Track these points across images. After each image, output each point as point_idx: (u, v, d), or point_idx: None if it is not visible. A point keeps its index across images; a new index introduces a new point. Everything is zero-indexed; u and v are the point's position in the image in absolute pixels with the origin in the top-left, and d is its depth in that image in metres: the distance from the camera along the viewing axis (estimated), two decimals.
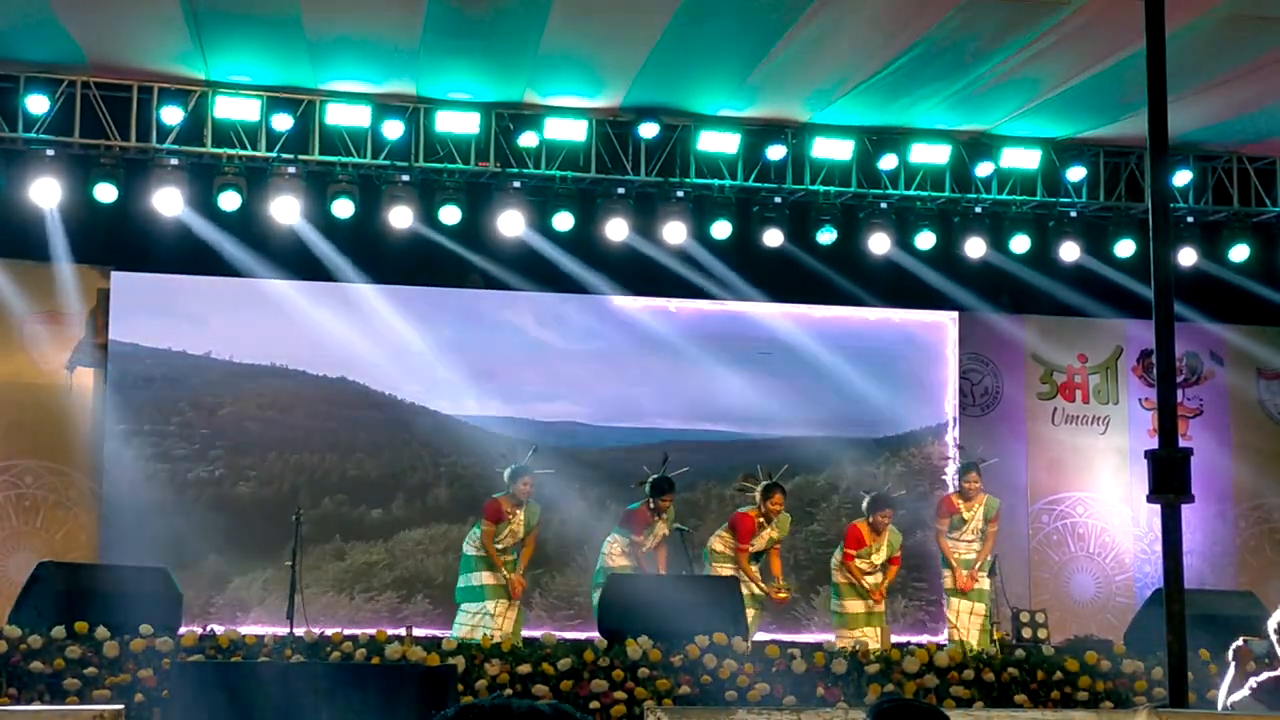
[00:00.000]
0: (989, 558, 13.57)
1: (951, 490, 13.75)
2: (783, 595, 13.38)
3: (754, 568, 13.31)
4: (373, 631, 11.86)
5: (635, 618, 11.70)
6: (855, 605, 13.32)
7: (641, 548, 13.33)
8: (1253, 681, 7.76)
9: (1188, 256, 15.07)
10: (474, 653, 11.40)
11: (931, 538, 14.39)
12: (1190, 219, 15.19)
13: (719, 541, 13.46)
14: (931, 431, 15.51)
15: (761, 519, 13.32)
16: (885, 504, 13.48)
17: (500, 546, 13.00)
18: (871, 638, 12.96)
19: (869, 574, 13.35)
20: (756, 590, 13.20)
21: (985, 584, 13.58)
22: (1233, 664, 8.43)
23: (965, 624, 13.37)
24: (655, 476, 13.37)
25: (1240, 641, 8.50)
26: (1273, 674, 7.78)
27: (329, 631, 11.63)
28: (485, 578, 13.01)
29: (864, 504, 13.60)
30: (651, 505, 13.31)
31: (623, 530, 13.45)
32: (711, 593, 12.29)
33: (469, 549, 13.21)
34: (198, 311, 14.44)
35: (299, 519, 12.52)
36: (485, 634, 12.32)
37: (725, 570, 13.24)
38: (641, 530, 13.33)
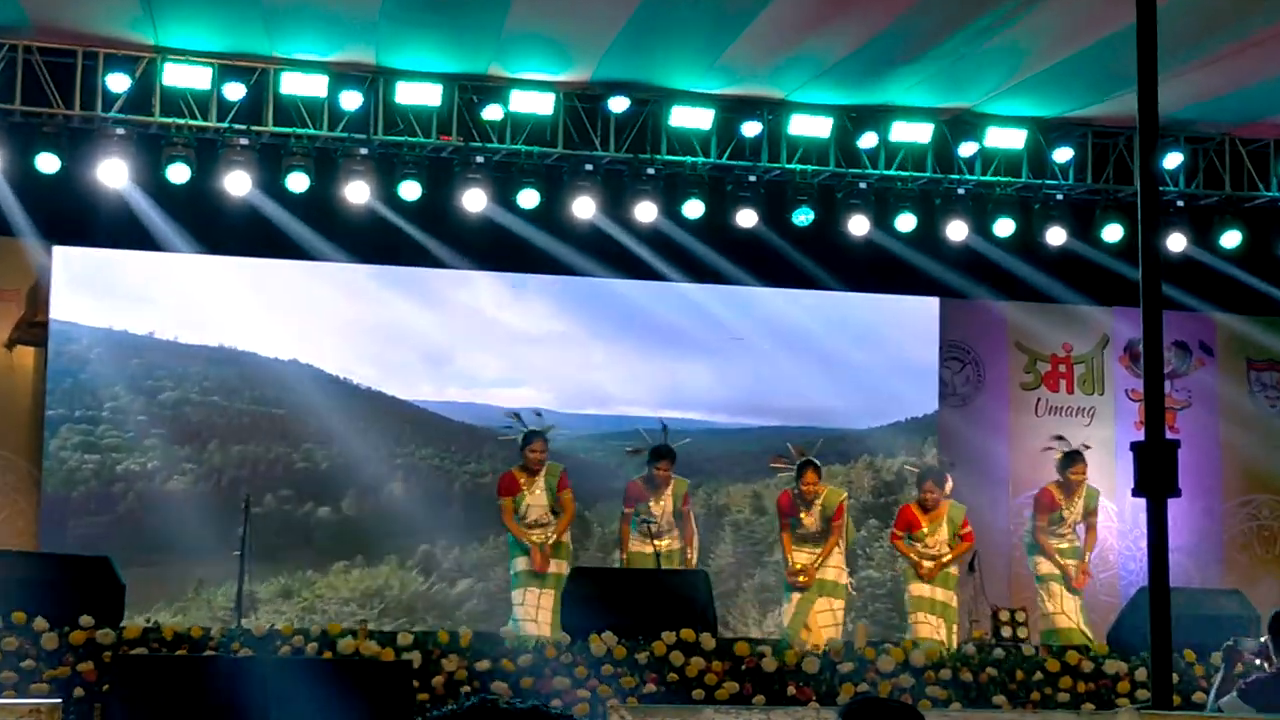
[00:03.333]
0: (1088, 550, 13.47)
1: (1053, 481, 13.47)
2: (804, 579, 13.04)
3: (799, 551, 13.07)
4: (325, 625, 11.85)
5: (599, 612, 11.72)
6: (917, 588, 13.22)
7: (649, 523, 13.01)
8: (1242, 682, 7.82)
9: (1177, 242, 15.14)
10: (431, 648, 11.40)
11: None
12: (1180, 203, 15.26)
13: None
14: (916, 424, 15.54)
15: (799, 501, 13.12)
16: (929, 475, 13.30)
17: (528, 520, 12.77)
18: (929, 626, 12.84)
19: (929, 557, 13.18)
20: (795, 566, 13.00)
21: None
22: (1223, 664, 8.49)
23: (1065, 609, 13.19)
24: (653, 445, 13.21)
25: (1230, 641, 8.57)
26: (1262, 675, 7.84)
27: (279, 625, 11.62)
28: (519, 563, 12.79)
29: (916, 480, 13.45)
30: (645, 475, 13.15)
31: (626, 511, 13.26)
32: (679, 587, 12.31)
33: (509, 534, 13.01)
34: (142, 289, 14.39)
35: (248, 505, 12.46)
36: (516, 626, 12.32)
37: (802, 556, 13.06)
38: (631, 504, 13.14)
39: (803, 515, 13.14)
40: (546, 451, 12.91)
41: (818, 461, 13.27)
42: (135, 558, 13.52)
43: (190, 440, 14.31)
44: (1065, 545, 13.45)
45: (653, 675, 11.45)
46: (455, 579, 14.67)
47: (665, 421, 13.81)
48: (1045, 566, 13.46)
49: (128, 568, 12.97)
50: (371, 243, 14.47)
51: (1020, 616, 13.15)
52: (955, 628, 13.11)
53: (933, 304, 15.73)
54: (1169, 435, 7.94)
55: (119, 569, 11.77)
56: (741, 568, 15.28)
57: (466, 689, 11.21)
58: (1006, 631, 13.09)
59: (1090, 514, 13.56)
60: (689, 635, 11.61)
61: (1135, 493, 7.79)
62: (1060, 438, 14.04)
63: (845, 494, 13.47)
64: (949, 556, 13.23)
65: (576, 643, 11.55)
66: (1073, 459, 13.51)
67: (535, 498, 12.83)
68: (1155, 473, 7.40)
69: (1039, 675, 12.06)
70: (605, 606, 11.83)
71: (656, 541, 13.04)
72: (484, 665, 11.39)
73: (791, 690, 11.59)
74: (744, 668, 11.64)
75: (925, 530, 13.24)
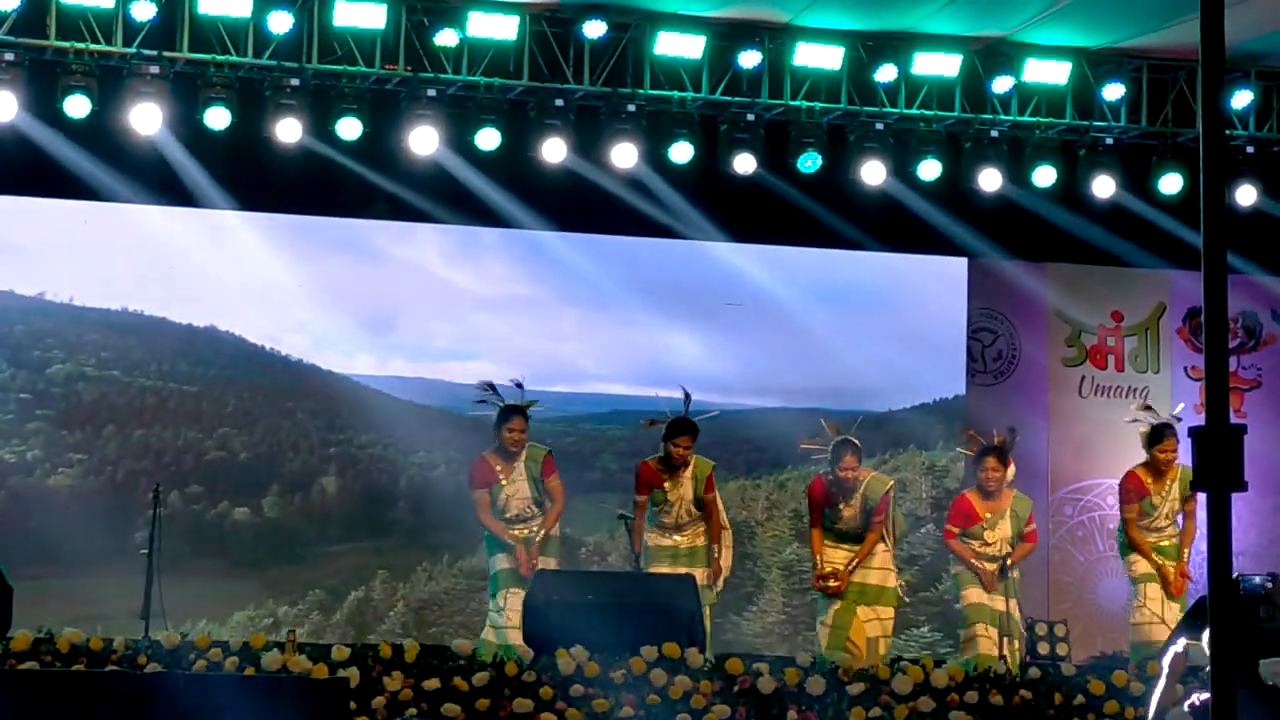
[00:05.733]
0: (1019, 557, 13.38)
1: (1139, 464, 13.41)
2: (833, 584, 12.94)
3: (833, 549, 13.00)
4: (247, 637, 11.88)
5: (568, 624, 11.76)
6: (976, 594, 13.05)
7: (664, 514, 12.95)
8: (1195, 699, 7.90)
9: (1247, 195, 15.20)
10: (371, 664, 11.45)
11: (937, 536, 14.46)
12: (1250, 149, 15.31)
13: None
14: (943, 406, 15.58)
15: (834, 490, 13.03)
16: (992, 452, 13.09)
17: (509, 515, 12.70)
18: (989, 641, 12.83)
19: (987, 558, 13.03)
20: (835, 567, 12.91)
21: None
22: (1165, 672, 8.59)
23: (1168, 616, 13.10)
24: (672, 418, 13.05)
25: (1179, 647, 8.66)
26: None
27: (193, 636, 11.66)
28: (499, 561, 12.72)
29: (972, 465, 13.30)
30: (660, 455, 13.03)
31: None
32: (662, 594, 12.36)
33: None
34: (32, 241, 14.37)
35: (158, 496, 12.46)
36: (500, 635, 12.36)
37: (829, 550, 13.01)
38: (645, 490, 13.00)
39: (841, 507, 13.01)
40: (526, 431, 12.79)
41: (857, 442, 13.08)
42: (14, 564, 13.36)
43: (82, 424, 14.22)
44: (1165, 542, 13.36)
45: (630, 697, 11.51)
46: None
47: (645, 402, 13.80)
48: (1141, 565, 13.33)
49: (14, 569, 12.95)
50: (303, 189, 14.48)
51: (1060, 630, 13.24)
52: (1019, 643, 12.92)
53: (960, 265, 15.78)
54: (1234, 419, 7.99)
55: (5, 571, 11.78)
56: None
57: (412, 711, 11.25)
58: (1044, 648, 13.18)
59: (1188, 500, 13.28)
60: (673, 651, 11.67)
61: (1194, 486, 7.85)
62: (1148, 407, 13.84)
63: (891, 482, 13.32)
64: (1012, 559, 12.97)
65: (541, 659, 11.60)
66: (1160, 433, 13.34)
67: (515, 488, 12.74)
68: (1217, 463, 7.44)
69: (1081, 699, 12.14)
70: (575, 616, 11.87)
71: (677, 536, 13.01)
72: (433, 684, 11.44)
73: (793, 715, 11.66)
74: (737, 689, 11.70)
75: (984, 524, 13.09)
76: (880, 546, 13.06)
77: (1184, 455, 13.73)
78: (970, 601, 13.10)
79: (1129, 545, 13.45)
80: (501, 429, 12.76)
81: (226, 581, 14.39)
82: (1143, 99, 15.08)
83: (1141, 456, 13.53)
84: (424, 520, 14.59)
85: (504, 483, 12.76)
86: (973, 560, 13.05)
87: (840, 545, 13.07)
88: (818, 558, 13.09)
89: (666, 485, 13.03)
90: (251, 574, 14.47)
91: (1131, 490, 13.43)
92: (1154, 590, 13.28)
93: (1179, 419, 13.72)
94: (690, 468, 13.05)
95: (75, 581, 13.85)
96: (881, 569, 13.09)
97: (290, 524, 14.55)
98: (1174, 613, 13.18)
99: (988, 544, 13.12)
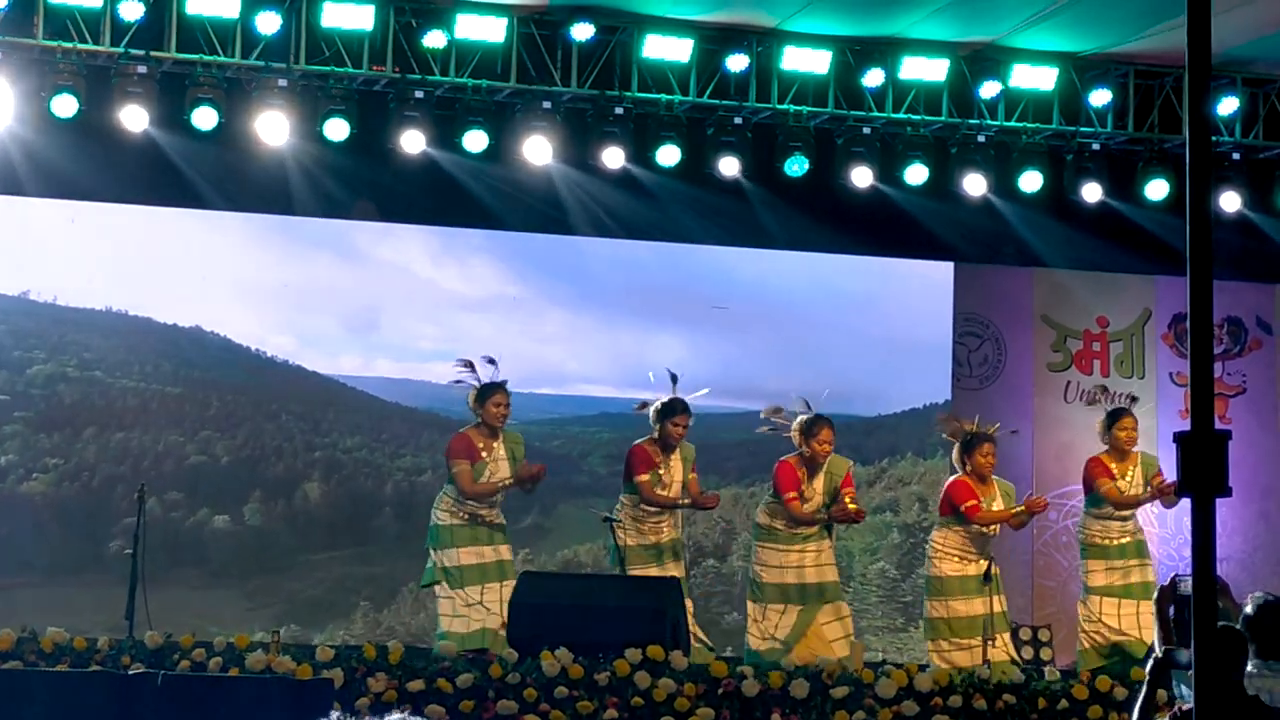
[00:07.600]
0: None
1: (1100, 451, 13.49)
2: (853, 507, 12.87)
3: (787, 553, 12.93)
4: (232, 637, 11.89)
5: (552, 625, 11.78)
6: (968, 605, 13.06)
7: (653, 499, 12.84)
8: (1178, 709, 7.93)
9: (1231, 201, 15.24)
10: (355, 665, 11.48)
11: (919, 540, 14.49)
12: (1236, 156, 15.35)
13: (764, 514, 13.12)
14: (930, 411, 15.60)
15: (803, 468, 12.99)
16: (988, 440, 13.19)
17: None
18: (935, 655, 12.87)
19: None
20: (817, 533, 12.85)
21: (1149, 574, 13.43)
22: (1147, 679, 8.63)
23: (1125, 628, 13.21)
24: (663, 399, 12.98)
25: (1159, 654, 8.67)
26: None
27: (178, 636, 11.67)
28: (464, 555, 12.53)
29: (954, 451, 13.34)
30: (656, 436, 12.94)
31: (629, 486, 13.04)
32: (646, 596, 12.38)
33: (439, 516, 12.62)
34: (17, 241, 14.33)
35: (142, 496, 12.44)
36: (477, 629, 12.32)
37: (773, 552, 12.98)
38: (645, 470, 12.92)
39: (804, 488, 13.01)
40: (510, 407, 12.68)
41: (830, 417, 13.06)
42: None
43: (61, 426, 14.08)
44: (1125, 539, 13.42)
45: (614, 699, 11.53)
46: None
47: (630, 405, 13.79)
48: (1097, 577, 13.45)
49: None
50: (290, 190, 14.45)
51: (1044, 635, 13.30)
52: (1004, 642, 12.93)
53: (946, 270, 15.79)
54: (1219, 425, 8.04)
55: None
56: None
57: (397, 715, 11.27)
58: (1028, 652, 13.23)
59: (1155, 475, 13.39)
60: (657, 653, 11.69)
61: (1178, 491, 7.89)
62: (1103, 389, 13.96)
63: (850, 462, 13.31)
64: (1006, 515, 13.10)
65: (525, 660, 11.62)
66: (1117, 415, 13.47)
67: (497, 466, 12.61)
68: (1201, 468, 7.46)
69: (1065, 703, 12.17)
70: (559, 617, 11.89)
71: (656, 533, 12.94)
72: (417, 685, 11.46)
73: (776, 719, 11.69)
74: (721, 691, 11.73)
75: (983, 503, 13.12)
76: (826, 543, 13.07)
77: (1144, 442, 13.91)
78: (957, 614, 13.07)
79: (1087, 549, 13.46)
80: (487, 404, 12.60)
81: (204, 592, 14.29)
82: (1129, 105, 15.12)
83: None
84: (410, 527, 14.51)
85: (486, 460, 12.59)
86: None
87: (790, 547, 13.04)
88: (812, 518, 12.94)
89: (660, 465, 12.98)
90: (231, 584, 14.38)
91: (1098, 468, 13.47)
92: (1108, 606, 13.34)
93: (1134, 399, 13.89)
94: (678, 450, 13.02)
95: (49, 591, 13.66)
96: (831, 565, 13.09)
97: (272, 532, 14.46)
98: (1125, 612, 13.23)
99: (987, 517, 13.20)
